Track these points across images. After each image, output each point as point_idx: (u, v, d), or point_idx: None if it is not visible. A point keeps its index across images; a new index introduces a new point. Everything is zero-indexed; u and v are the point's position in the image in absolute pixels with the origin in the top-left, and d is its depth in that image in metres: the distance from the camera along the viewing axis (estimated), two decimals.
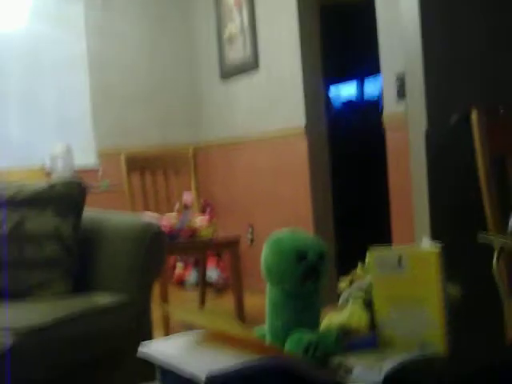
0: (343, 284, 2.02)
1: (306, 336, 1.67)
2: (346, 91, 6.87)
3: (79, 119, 6.76)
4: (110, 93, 6.89)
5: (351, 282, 1.97)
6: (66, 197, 3.17)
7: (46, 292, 2.98)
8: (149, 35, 7.07)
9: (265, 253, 1.88)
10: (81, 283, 3.08)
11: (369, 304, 1.84)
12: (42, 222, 3.08)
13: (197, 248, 4.85)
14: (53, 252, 3.03)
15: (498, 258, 2.15)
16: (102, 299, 2.92)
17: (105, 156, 6.68)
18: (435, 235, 3.03)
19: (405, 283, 1.74)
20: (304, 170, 5.44)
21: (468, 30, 3.46)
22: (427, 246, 1.90)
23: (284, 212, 5.74)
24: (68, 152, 5.92)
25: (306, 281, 1.75)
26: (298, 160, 5.51)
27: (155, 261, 3.10)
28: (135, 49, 7.01)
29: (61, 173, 5.73)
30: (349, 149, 5.80)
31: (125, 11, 6.98)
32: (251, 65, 6.07)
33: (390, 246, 4.15)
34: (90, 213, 3.30)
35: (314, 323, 1.78)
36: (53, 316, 2.69)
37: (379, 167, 4.60)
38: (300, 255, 1.78)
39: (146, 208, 5.02)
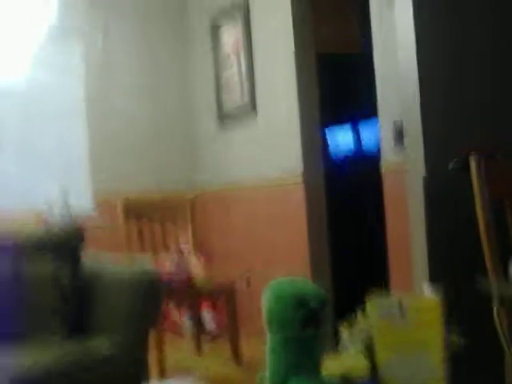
0: (343, 330, 2.01)
1: None
2: (343, 138, 6.91)
3: (77, 165, 6.78)
4: (108, 139, 6.91)
5: (351, 328, 1.96)
6: (65, 243, 3.18)
7: (44, 338, 2.96)
8: (147, 82, 7.11)
9: (265, 300, 1.88)
10: (78, 329, 3.06)
11: (369, 349, 1.83)
12: (41, 268, 3.07)
13: (192, 294, 4.83)
14: (50, 298, 3.02)
15: (498, 306, 2.14)
16: (99, 345, 2.91)
17: (102, 202, 6.67)
18: (434, 282, 3.03)
19: (406, 330, 1.74)
20: (301, 217, 5.43)
21: (466, 78, 3.50)
22: (428, 292, 1.90)
23: (281, 259, 5.72)
24: (65, 197, 5.92)
25: (307, 327, 1.75)
26: (295, 207, 5.51)
27: (152, 307, 3.09)
28: (133, 96, 7.05)
29: (58, 218, 5.71)
30: (346, 194, 5.80)
31: (123, 59, 7.03)
32: (249, 112, 6.10)
33: (389, 292, 4.14)
34: (87, 257, 3.30)
35: (315, 369, 1.77)
36: (49, 362, 2.67)
37: (377, 213, 4.61)
38: (301, 302, 1.77)
39: (143, 255, 5.00)
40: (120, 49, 7.02)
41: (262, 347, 1.88)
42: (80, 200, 6.49)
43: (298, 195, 5.45)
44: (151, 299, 3.05)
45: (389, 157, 4.42)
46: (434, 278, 3.14)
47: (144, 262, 4.35)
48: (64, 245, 3.18)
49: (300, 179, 5.43)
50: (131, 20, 7.07)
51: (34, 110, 6.67)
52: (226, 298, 4.77)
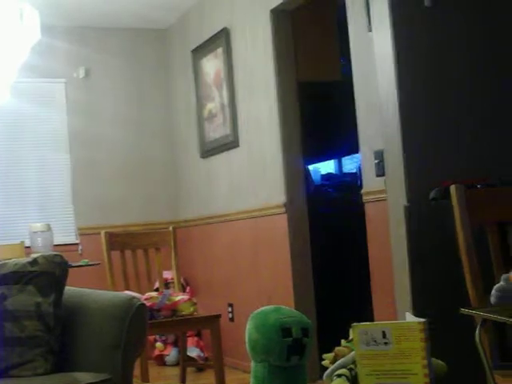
0: (326, 361, 2.02)
1: None
2: (324, 166, 6.95)
3: (60, 196, 6.80)
4: (90, 170, 6.94)
5: (335, 358, 1.97)
6: (48, 273, 3.16)
7: (27, 371, 2.95)
8: (129, 113, 7.15)
9: (249, 328, 1.89)
10: (62, 361, 3.05)
11: (353, 380, 1.84)
12: (23, 299, 3.06)
13: (177, 325, 4.80)
14: (33, 330, 3.00)
15: (479, 331, 2.16)
16: (84, 377, 2.89)
17: (85, 233, 6.68)
18: (417, 309, 3.04)
19: (390, 357, 1.75)
20: (284, 245, 5.45)
21: (446, 106, 3.54)
22: (411, 320, 1.91)
23: (264, 288, 5.73)
24: (48, 229, 5.91)
25: (291, 356, 1.76)
26: (278, 236, 5.53)
27: (137, 336, 3.08)
28: (115, 127, 7.08)
29: (41, 250, 5.70)
30: (329, 224, 5.82)
31: (105, 89, 7.08)
32: (231, 142, 6.13)
33: (372, 320, 4.15)
34: (70, 289, 3.28)
35: None
36: None
37: (359, 240, 4.62)
38: (284, 331, 1.78)
39: (127, 286, 4.98)
40: (102, 80, 7.07)
41: (247, 377, 1.88)
42: (63, 231, 6.50)
43: (281, 224, 5.47)
44: (136, 328, 3.03)
45: (370, 186, 4.45)
46: (416, 305, 3.15)
47: (128, 293, 4.36)
48: (47, 274, 3.16)
49: (283, 209, 5.45)
50: (113, 51, 7.13)
51: (16, 139, 6.69)
52: (210, 329, 4.75)
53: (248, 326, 1.88)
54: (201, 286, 6.76)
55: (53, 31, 6.43)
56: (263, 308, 1.94)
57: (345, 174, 7.00)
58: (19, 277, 3.13)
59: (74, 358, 3.05)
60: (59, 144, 6.86)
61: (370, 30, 3.95)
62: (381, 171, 4.12)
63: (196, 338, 6.51)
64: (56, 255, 3.32)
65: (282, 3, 5.40)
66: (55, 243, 5.97)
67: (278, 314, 1.83)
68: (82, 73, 6.97)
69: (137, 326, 3.02)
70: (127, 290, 4.83)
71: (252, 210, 5.86)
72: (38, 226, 5.90)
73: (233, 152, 6.14)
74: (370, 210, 4.47)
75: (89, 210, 6.86)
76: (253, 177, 5.88)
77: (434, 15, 3.55)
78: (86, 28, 6.95)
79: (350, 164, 6.95)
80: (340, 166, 7.05)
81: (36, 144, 6.78)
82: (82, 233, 6.73)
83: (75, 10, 6.57)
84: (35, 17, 5.18)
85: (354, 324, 1.83)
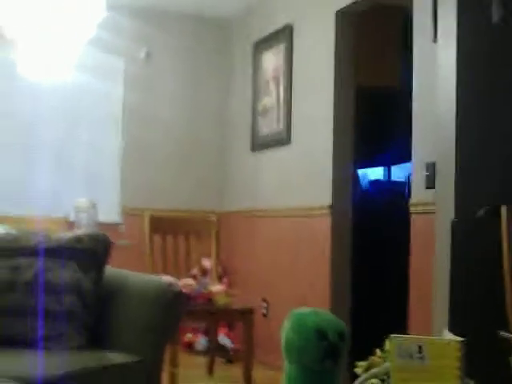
0: (360, 368, 2.01)
1: None
2: (374, 173, 6.91)
3: (108, 175, 6.86)
4: (140, 151, 6.99)
5: (368, 368, 1.96)
6: (91, 251, 3.20)
7: (61, 344, 2.98)
8: (185, 97, 7.20)
9: (285, 329, 1.89)
10: (96, 338, 3.08)
11: None
12: (64, 274, 3.10)
13: (212, 315, 4.83)
14: (71, 305, 3.04)
15: None
16: (115, 356, 2.92)
17: (129, 214, 6.73)
18: (454, 327, 3.00)
19: (424, 372, 1.74)
20: (325, 248, 5.43)
21: (505, 126, 3.49)
22: (447, 338, 1.90)
23: (301, 288, 5.72)
24: (93, 206, 5.96)
25: (326, 360, 1.76)
26: (320, 238, 5.52)
27: (172, 322, 3.10)
28: (171, 109, 7.13)
29: (84, 226, 5.76)
30: (373, 230, 5.79)
31: (164, 72, 7.13)
32: (283, 139, 6.12)
33: (407, 332, 4.13)
34: (111, 268, 3.32)
35: None
36: (64, 369, 2.69)
37: (402, 249, 4.58)
38: (321, 334, 1.78)
39: (165, 270, 5.02)
40: (162, 62, 7.12)
41: (275, 375, 1.89)
42: (108, 211, 6.55)
43: (325, 226, 5.45)
44: (172, 314, 3.06)
45: (418, 197, 4.41)
46: (453, 324, 3.11)
47: (167, 278, 4.39)
48: (89, 251, 3.20)
49: (328, 212, 5.43)
50: (176, 36, 7.17)
51: (71, 114, 6.76)
52: (243, 322, 4.76)
53: (285, 326, 1.88)
54: (238, 277, 6.77)
55: (118, 10, 6.48)
56: (302, 309, 1.94)
57: (393, 181, 6.95)
58: (63, 252, 3.17)
59: (108, 337, 3.09)
60: (113, 122, 6.93)
61: (435, 41, 3.92)
62: (431, 183, 4.09)
63: (227, 328, 6.52)
64: (100, 234, 3.36)
65: (347, 6, 5.38)
66: (98, 221, 6.02)
67: (315, 316, 1.83)
68: (143, 52, 7.02)
69: (172, 313, 3.05)
70: (165, 273, 4.86)
71: (297, 208, 5.86)
72: (84, 202, 5.95)
73: (283, 149, 6.14)
74: (415, 222, 4.44)
75: (135, 191, 6.91)
76: (301, 176, 5.87)
77: (500, 32, 3.51)
78: (150, 10, 6.99)
79: (399, 172, 6.90)
80: (389, 173, 7.00)
81: (91, 120, 6.85)
82: (126, 213, 6.78)
83: None
84: None
85: (391, 335, 1.82)
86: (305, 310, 1.94)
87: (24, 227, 4.69)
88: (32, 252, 3.19)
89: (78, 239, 3.23)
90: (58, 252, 3.17)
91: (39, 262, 3.13)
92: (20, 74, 5.84)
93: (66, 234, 3.34)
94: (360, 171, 6.62)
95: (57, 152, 6.68)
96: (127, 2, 6.70)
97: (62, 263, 3.13)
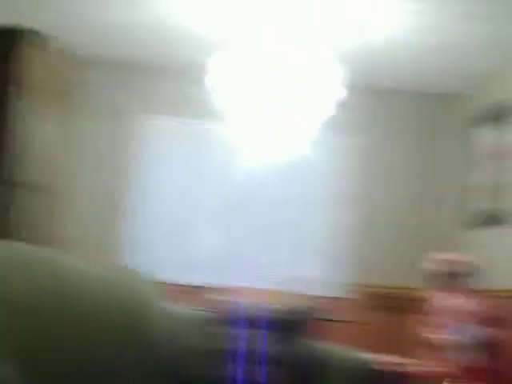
0: None
1: None
2: None
3: (334, 249, 6.88)
4: (367, 228, 6.97)
5: None
6: (295, 323, 3.20)
7: None
8: (407, 173, 7.18)
9: None
10: None
11: None
12: (266, 344, 3.11)
13: None
14: (270, 377, 3.04)
15: None
16: None
17: (354, 289, 6.68)
18: None
19: None
20: None
21: None
22: None
23: None
24: (315, 280, 5.98)
25: None
26: None
27: None
28: (395, 187, 7.12)
29: (303, 298, 5.76)
30: None
31: (391, 151, 7.13)
32: (496, 219, 5.88)
33: None
34: (317, 342, 3.29)
35: None
36: None
37: None
38: None
39: (387, 349, 4.88)
40: (390, 142, 7.12)
41: None
42: (330, 284, 6.55)
43: None
44: None
45: None
46: None
47: (385, 358, 4.28)
48: (295, 324, 3.20)
49: None
50: (400, 113, 7.19)
51: (300, 189, 6.88)
52: None
53: None
54: None
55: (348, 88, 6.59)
56: None
57: None
58: (270, 322, 3.19)
59: None
60: (344, 202, 6.98)
61: None
62: None
63: None
64: (305, 309, 3.36)
65: None
66: (320, 294, 6.00)
67: None
68: (373, 137, 7.07)
69: None
70: (386, 353, 4.73)
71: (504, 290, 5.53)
72: (307, 274, 5.98)
73: (495, 229, 5.86)
74: None
75: (358, 266, 6.88)
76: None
77: None
78: (375, 87, 7.05)
79: None
80: None
81: (324, 199, 6.95)
82: (348, 288, 6.74)
83: (369, 69, 6.66)
84: (339, 74, 5.29)
85: None
86: None
87: (246, 298, 4.78)
88: (244, 322, 3.24)
89: (287, 311, 3.25)
90: (263, 323, 3.19)
91: (246, 333, 3.17)
92: (239, 151, 5.97)
93: (274, 306, 3.36)
94: None
95: (290, 227, 6.82)
96: (355, 81, 6.76)
97: (268, 333, 3.15)
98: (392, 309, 5.14)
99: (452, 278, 4.68)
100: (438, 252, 6.40)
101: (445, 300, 4.74)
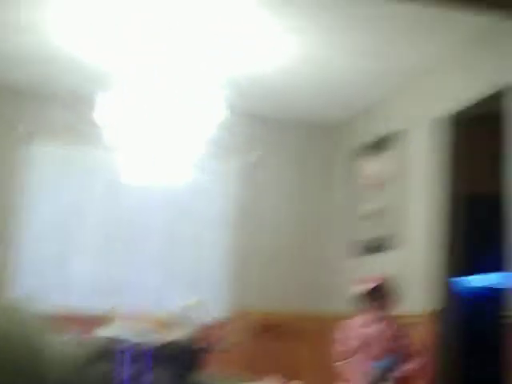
0: None
1: None
2: (480, 282, 6.76)
3: (214, 274, 6.94)
4: (248, 252, 7.07)
5: None
6: (185, 355, 3.25)
7: None
8: (292, 200, 7.31)
9: None
10: None
11: None
12: (154, 379, 3.15)
13: None
14: None
15: None
16: None
17: (234, 313, 6.76)
18: None
19: None
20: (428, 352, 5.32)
21: None
22: None
23: None
24: (199, 305, 6.01)
25: None
26: (423, 343, 5.40)
27: None
28: (278, 212, 7.24)
29: (189, 325, 5.80)
30: (480, 337, 5.66)
31: (273, 175, 7.26)
32: (386, 244, 6.10)
33: None
34: (207, 373, 3.34)
35: None
36: None
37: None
38: None
39: (269, 372, 4.96)
40: (271, 167, 7.24)
41: None
42: (214, 310, 6.58)
43: (428, 331, 5.34)
44: None
45: None
46: None
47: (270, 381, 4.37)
48: (186, 354, 3.24)
49: (431, 317, 5.33)
50: (285, 141, 7.32)
51: (182, 214, 6.90)
52: None
53: None
54: None
55: (232, 113, 6.68)
56: None
57: (496, 288, 6.75)
58: (157, 354, 3.23)
59: None
60: (222, 221, 7.06)
61: None
62: None
63: None
64: (198, 337, 3.41)
65: (455, 113, 5.40)
66: (204, 320, 6.04)
67: None
68: (254, 155, 7.18)
69: None
70: (269, 376, 4.81)
71: (400, 312, 5.76)
72: (190, 301, 6.01)
73: (386, 254, 6.09)
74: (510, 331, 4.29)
75: (242, 290, 6.96)
76: (403, 282, 5.79)
77: None
78: (263, 116, 7.18)
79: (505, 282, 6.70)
80: (496, 283, 6.81)
81: (200, 221, 7.00)
82: (234, 313, 6.81)
83: (256, 96, 6.77)
84: (220, 98, 5.38)
85: None
86: None
87: (129, 325, 4.77)
88: (130, 353, 3.27)
89: (175, 342, 3.29)
90: (153, 354, 3.23)
91: (129, 368, 3.19)
92: (125, 177, 5.95)
93: (160, 338, 3.40)
94: (470, 277, 6.50)
95: (163, 250, 6.84)
96: (241, 107, 6.86)
97: (155, 366, 3.18)
98: (282, 333, 5.22)
99: (374, 299, 4.77)
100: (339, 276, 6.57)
101: (353, 329, 4.84)
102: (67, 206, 6.83)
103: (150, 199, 6.82)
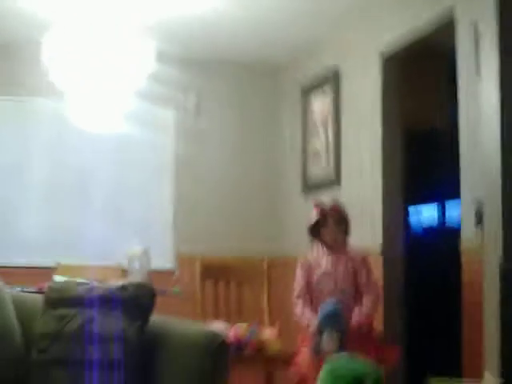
0: None
1: None
2: (426, 213, 6.83)
3: (160, 223, 6.90)
4: (192, 199, 7.03)
5: None
6: (136, 300, 3.20)
7: None
8: (237, 144, 7.26)
9: (322, 376, 1.86)
10: None
11: None
12: (109, 323, 3.10)
13: (264, 362, 4.76)
14: (116, 354, 3.04)
15: None
16: None
17: (181, 261, 6.75)
18: (506, 374, 2.86)
19: None
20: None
21: None
22: (488, 380, 1.86)
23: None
24: (145, 254, 5.97)
25: None
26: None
27: (217, 371, 3.06)
28: (222, 157, 7.19)
29: (136, 274, 5.77)
30: (426, 267, 5.72)
31: (214, 119, 7.20)
32: (333, 181, 6.11)
33: (460, 373, 4.04)
34: (157, 318, 3.30)
35: None
36: None
37: (457, 289, 4.48)
38: (358, 382, 1.76)
39: (217, 317, 5.00)
40: (212, 111, 7.18)
41: None
42: (160, 257, 6.56)
43: (376, 267, 5.38)
44: (216, 363, 3.02)
45: (469, 237, 4.31)
46: (504, 368, 2.97)
47: (217, 325, 4.37)
48: (134, 301, 3.19)
49: (378, 252, 5.37)
50: (224, 84, 7.23)
51: (123, 165, 6.83)
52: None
53: (322, 375, 1.86)
54: (293, 323, 6.71)
55: (166, 59, 6.56)
56: (339, 357, 1.92)
57: (448, 218, 6.84)
58: (108, 301, 3.18)
59: None
60: (164, 171, 6.99)
61: (478, 75, 3.86)
62: (480, 223, 3.99)
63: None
64: (146, 282, 3.37)
65: (392, 49, 5.38)
66: (151, 268, 6.02)
67: (349, 364, 1.80)
68: (192, 103, 7.09)
69: (217, 362, 3.01)
70: (217, 320, 4.84)
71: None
72: (136, 249, 5.97)
73: (334, 190, 6.10)
74: (466, 261, 4.34)
75: (188, 238, 6.94)
76: (351, 217, 5.82)
77: None
78: (198, 59, 7.07)
79: (454, 208, 6.80)
80: (442, 214, 6.90)
81: (142, 170, 6.93)
82: (179, 260, 6.80)
83: (190, 40, 6.67)
84: (151, 47, 5.32)
85: (431, 378, 1.80)
86: (342, 358, 1.91)
87: (77, 276, 4.73)
88: (78, 302, 3.21)
89: (123, 288, 3.24)
90: (103, 302, 3.18)
91: (84, 312, 3.15)
92: (72, 125, 5.90)
93: (112, 284, 3.35)
94: (412, 210, 6.56)
95: (109, 200, 6.76)
96: (174, 53, 6.75)
97: (108, 312, 3.13)
98: (226, 278, 5.22)
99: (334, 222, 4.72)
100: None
101: (309, 265, 4.83)
102: (11, 157, 6.68)
103: (94, 149, 6.71)
